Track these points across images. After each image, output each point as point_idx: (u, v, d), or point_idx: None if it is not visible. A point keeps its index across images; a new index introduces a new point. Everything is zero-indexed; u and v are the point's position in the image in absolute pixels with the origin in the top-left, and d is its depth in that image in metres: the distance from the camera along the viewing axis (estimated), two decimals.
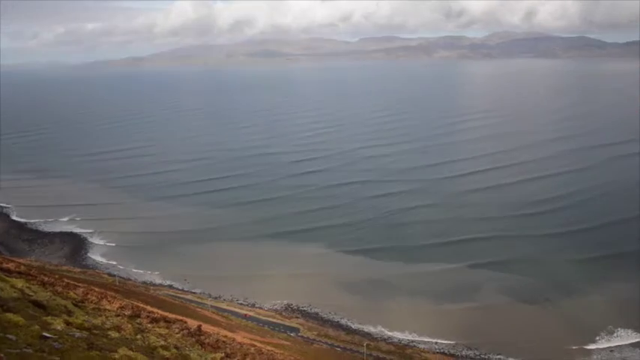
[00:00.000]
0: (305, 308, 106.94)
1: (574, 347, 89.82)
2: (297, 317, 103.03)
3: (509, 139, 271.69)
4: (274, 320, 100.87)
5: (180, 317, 60.13)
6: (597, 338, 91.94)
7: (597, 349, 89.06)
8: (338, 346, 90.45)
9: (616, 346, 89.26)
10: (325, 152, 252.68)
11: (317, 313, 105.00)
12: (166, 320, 43.88)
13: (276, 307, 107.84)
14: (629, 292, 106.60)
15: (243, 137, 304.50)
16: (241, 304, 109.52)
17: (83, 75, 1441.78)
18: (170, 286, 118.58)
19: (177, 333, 38.92)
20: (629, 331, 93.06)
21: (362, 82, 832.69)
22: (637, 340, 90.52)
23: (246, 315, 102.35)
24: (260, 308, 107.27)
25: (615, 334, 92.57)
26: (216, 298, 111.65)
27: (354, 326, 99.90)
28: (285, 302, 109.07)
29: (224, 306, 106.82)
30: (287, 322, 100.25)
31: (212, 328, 67.60)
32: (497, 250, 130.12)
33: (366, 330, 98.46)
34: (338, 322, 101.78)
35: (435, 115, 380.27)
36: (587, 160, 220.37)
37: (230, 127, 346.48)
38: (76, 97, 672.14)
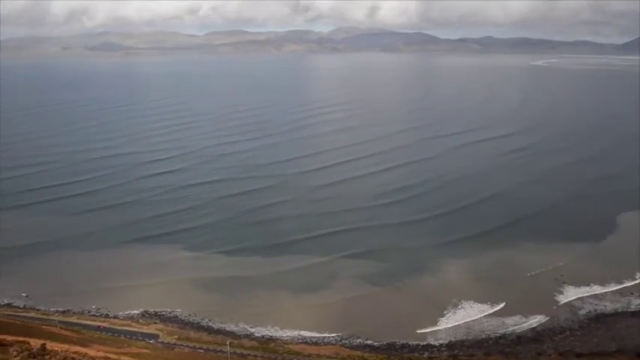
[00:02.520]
0: (163, 313, 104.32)
1: (426, 327, 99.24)
2: (156, 323, 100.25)
3: (363, 132, 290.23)
4: (131, 329, 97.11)
5: (20, 338, 55.73)
6: (445, 313, 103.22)
7: (446, 328, 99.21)
8: (200, 348, 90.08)
9: (463, 323, 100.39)
10: (179, 151, 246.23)
11: (176, 317, 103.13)
12: (2, 343, 40.72)
13: (132, 314, 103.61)
14: (475, 269, 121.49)
15: (89, 137, 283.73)
16: (93, 315, 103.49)
17: None
18: (9, 305, 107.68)
19: (15, 356, 36.59)
20: (471, 302, 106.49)
21: (211, 77, 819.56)
22: (480, 313, 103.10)
23: (99, 326, 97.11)
24: (115, 318, 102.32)
25: (460, 307, 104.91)
26: (64, 312, 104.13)
27: (216, 326, 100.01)
28: (142, 309, 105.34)
29: (74, 319, 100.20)
30: (145, 329, 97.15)
31: (60, 345, 63.44)
32: (357, 241, 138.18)
33: (228, 329, 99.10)
34: (199, 323, 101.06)
35: (290, 110, 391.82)
36: (435, 148, 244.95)
37: (74, 127, 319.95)
38: None
